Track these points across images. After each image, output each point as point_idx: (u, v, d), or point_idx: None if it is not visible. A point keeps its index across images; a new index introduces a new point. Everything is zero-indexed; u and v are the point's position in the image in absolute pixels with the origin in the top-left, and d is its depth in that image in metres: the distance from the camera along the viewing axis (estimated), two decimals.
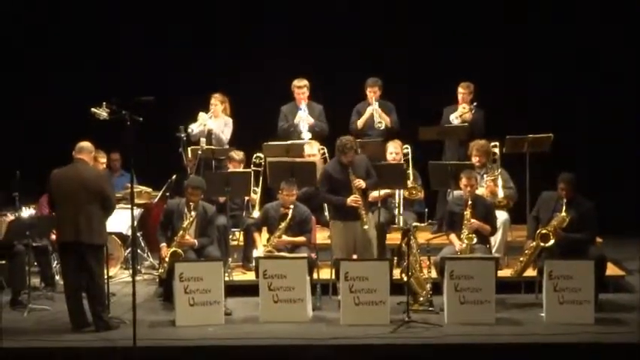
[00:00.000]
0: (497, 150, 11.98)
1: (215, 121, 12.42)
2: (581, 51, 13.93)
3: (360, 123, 12.71)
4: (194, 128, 12.30)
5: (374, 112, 12.64)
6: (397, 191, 12.03)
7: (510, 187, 11.72)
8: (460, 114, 12.49)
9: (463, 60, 13.63)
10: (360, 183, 10.60)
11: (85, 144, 10.05)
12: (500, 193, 11.60)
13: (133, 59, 14.01)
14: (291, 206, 10.84)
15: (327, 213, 11.59)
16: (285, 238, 10.84)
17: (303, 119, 12.60)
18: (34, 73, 14.06)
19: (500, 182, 11.66)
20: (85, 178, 9.80)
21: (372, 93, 12.70)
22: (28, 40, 14.17)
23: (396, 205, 12.04)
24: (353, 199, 10.55)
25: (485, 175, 11.65)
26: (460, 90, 12.64)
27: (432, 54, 13.89)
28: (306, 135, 12.55)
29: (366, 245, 10.66)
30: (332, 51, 13.89)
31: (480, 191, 11.25)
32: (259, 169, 12.23)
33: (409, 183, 11.95)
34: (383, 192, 11.36)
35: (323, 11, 14.03)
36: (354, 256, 10.66)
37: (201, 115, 12.38)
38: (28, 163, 12.32)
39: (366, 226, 10.56)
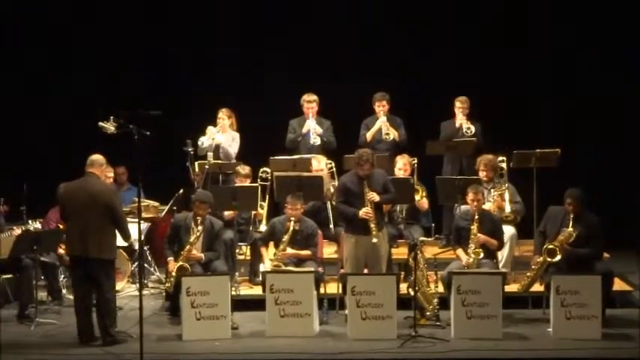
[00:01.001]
0: (504, 165, 11.97)
1: (223, 136, 12.43)
2: (604, 62, 13.89)
3: (369, 136, 12.73)
4: (204, 141, 12.29)
5: (382, 125, 12.67)
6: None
7: (517, 201, 11.71)
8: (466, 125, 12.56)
9: (468, 74, 13.68)
10: (374, 196, 10.45)
11: (97, 157, 10.00)
12: (508, 208, 11.58)
13: (139, 70, 14.03)
14: (292, 219, 10.81)
15: (332, 226, 11.58)
16: (289, 251, 10.84)
17: (312, 128, 12.64)
18: (34, 75, 14.08)
19: (507, 197, 11.64)
20: (96, 192, 9.78)
21: (381, 107, 12.73)
22: (28, 40, 14.18)
23: (402, 219, 12.00)
24: (364, 212, 10.40)
25: (492, 190, 11.64)
26: (457, 104, 12.72)
27: (436, 69, 13.89)
28: (316, 141, 12.57)
29: (376, 260, 10.52)
30: (340, 66, 13.92)
31: (487, 206, 11.25)
32: (266, 183, 12.21)
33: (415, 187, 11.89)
34: None
35: (331, 25, 14.04)
36: (365, 271, 10.59)
37: (210, 129, 12.38)
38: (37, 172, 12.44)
39: (374, 240, 10.40)
